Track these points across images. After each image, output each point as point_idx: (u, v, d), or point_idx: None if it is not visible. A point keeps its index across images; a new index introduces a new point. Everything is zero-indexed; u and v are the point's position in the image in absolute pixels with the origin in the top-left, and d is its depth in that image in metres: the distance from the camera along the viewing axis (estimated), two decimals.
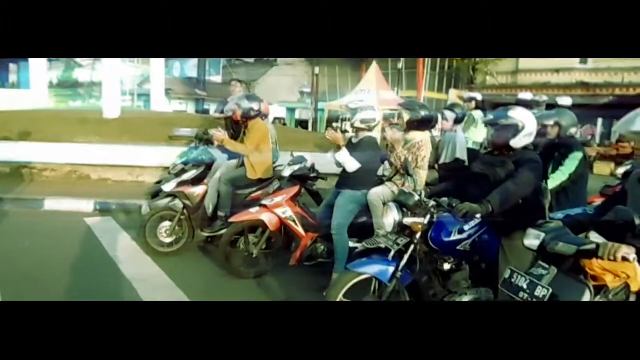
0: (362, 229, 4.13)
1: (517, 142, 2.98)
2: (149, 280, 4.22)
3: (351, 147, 4.24)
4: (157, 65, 14.31)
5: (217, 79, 31.12)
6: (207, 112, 24.83)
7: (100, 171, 8.27)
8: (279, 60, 28.84)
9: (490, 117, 3.15)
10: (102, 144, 8.33)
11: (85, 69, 28.08)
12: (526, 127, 2.97)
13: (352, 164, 4.12)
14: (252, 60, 31.25)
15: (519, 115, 3.00)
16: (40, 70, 13.88)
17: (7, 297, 3.65)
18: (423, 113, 4.09)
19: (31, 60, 13.60)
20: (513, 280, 2.29)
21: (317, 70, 21.24)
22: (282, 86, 28.03)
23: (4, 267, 4.28)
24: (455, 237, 3.02)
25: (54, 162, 8.19)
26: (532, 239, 2.24)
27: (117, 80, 10.94)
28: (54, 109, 13.68)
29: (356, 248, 4.18)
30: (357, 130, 4.29)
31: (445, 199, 3.06)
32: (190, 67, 30.72)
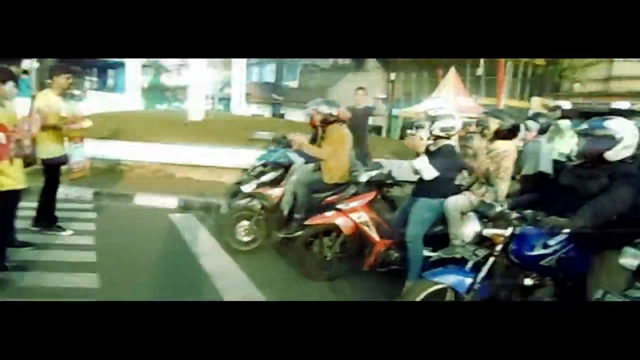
0: (438, 238, 4.06)
1: (614, 155, 2.79)
2: (226, 276, 4.41)
3: (429, 154, 4.19)
4: (238, 70, 14.92)
5: (294, 84, 31.85)
6: (282, 116, 25.48)
7: (184, 170, 8.75)
8: (354, 66, 28.98)
9: (584, 126, 2.97)
10: (186, 144, 8.82)
11: (172, 74, 29.79)
12: (625, 139, 2.78)
13: (429, 172, 4.06)
14: (327, 65, 31.66)
15: (617, 125, 2.82)
16: (133, 75, 14.95)
17: (105, 287, 3.99)
18: (508, 122, 3.96)
19: (127, 66, 14.69)
20: (606, 301, 2.16)
21: (392, 76, 21.14)
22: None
23: (100, 258, 4.66)
24: (538, 251, 2.90)
25: (143, 160, 8.78)
26: (630, 258, 2.11)
27: (201, 85, 11.54)
28: (143, 111, 14.67)
29: (430, 257, 4.13)
30: (436, 137, 4.23)
31: (529, 211, 2.94)
32: (268, 72, 31.70)
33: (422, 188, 4.18)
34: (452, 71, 16.38)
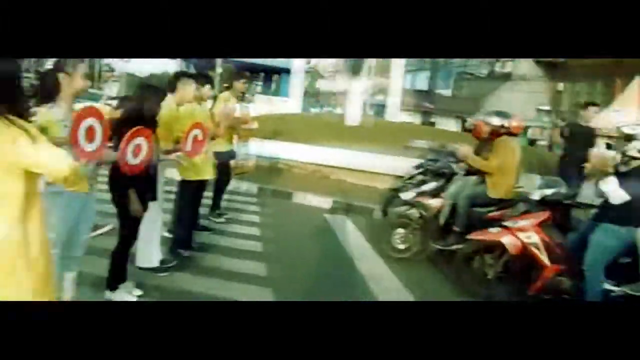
0: (623, 270, 3.60)
1: None
2: (380, 281, 4.46)
3: (620, 175, 3.71)
4: (395, 77, 14.99)
5: (447, 92, 30.96)
6: (433, 124, 24.95)
7: (339, 173, 9.05)
8: (514, 74, 27.15)
9: None
10: (342, 148, 9.11)
11: (328, 80, 31.15)
12: None
13: (619, 195, 3.60)
14: (483, 74, 30.13)
15: None
16: (296, 80, 15.95)
17: (273, 275, 4.33)
18: None
19: (292, 73, 15.76)
20: None
21: (560, 86, 19.34)
22: (515, 102, 26.25)
23: (264, 248, 5.07)
24: None
25: (302, 160, 9.30)
26: None
27: (357, 90, 11.84)
28: (304, 115, 15.53)
29: (612, 291, 3.69)
30: (630, 157, 3.73)
31: None
32: (421, 79, 31.29)
33: (608, 213, 3.72)
34: (638, 80, 14.34)
